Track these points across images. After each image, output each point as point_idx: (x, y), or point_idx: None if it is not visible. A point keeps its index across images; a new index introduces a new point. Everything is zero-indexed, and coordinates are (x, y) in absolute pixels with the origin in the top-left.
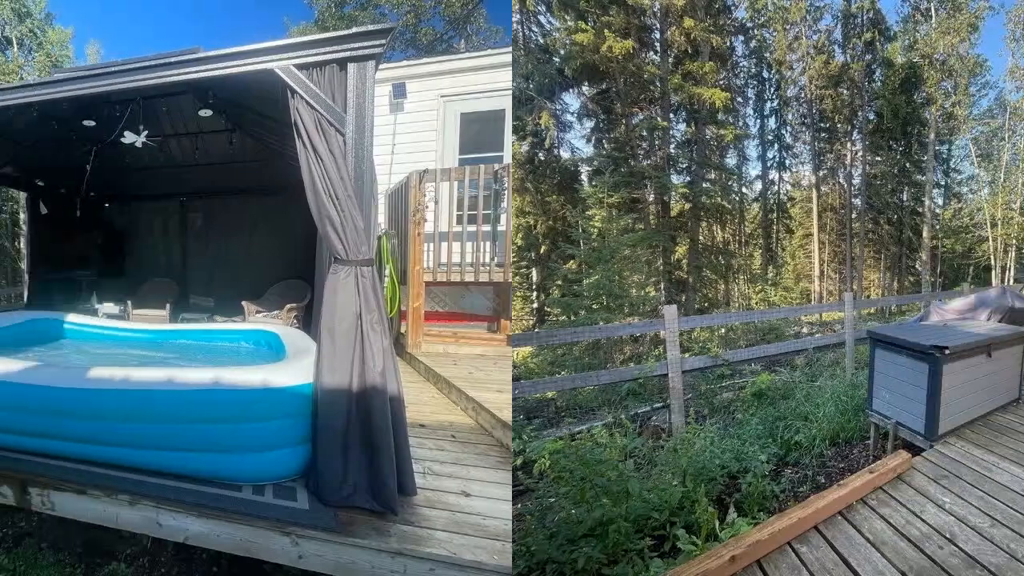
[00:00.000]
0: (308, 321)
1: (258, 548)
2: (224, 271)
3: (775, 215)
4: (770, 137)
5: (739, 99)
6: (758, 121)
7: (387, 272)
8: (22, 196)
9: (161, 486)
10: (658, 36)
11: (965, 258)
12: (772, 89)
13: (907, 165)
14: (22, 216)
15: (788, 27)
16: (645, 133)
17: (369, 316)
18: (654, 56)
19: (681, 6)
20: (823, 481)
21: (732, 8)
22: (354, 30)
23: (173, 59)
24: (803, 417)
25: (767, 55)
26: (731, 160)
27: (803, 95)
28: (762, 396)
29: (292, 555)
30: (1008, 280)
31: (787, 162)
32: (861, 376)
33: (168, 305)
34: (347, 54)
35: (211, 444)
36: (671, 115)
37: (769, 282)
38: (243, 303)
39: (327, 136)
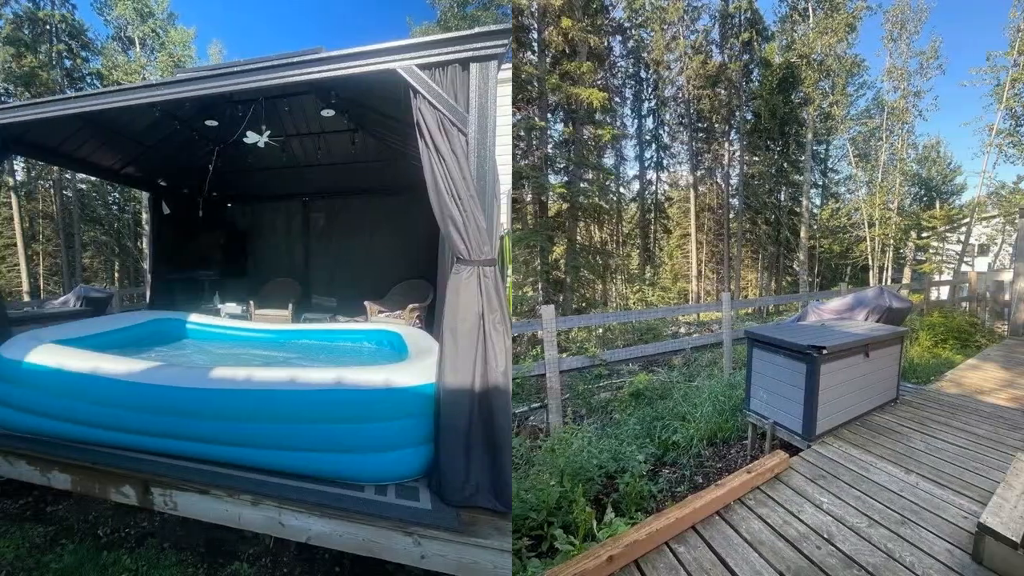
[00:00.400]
0: (430, 321)
1: (381, 548)
2: (346, 271)
3: (653, 215)
4: (648, 137)
5: (617, 99)
6: (636, 121)
7: (509, 272)
8: (145, 196)
9: (283, 486)
10: (536, 36)
11: (843, 258)
12: (650, 89)
13: (785, 165)
14: (145, 216)
15: (666, 27)
16: (523, 133)
17: (491, 316)
18: (532, 56)
19: (559, 6)
20: (701, 481)
21: (610, 8)
22: (476, 30)
23: (296, 59)
24: (681, 417)
25: (645, 55)
26: (609, 160)
27: (681, 95)
28: (640, 396)
29: (415, 555)
30: (886, 280)
31: (665, 162)
32: (739, 376)
33: (291, 305)
34: (469, 54)
35: (333, 444)
36: (549, 115)
37: (647, 282)
38: (365, 303)
39: (449, 136)
